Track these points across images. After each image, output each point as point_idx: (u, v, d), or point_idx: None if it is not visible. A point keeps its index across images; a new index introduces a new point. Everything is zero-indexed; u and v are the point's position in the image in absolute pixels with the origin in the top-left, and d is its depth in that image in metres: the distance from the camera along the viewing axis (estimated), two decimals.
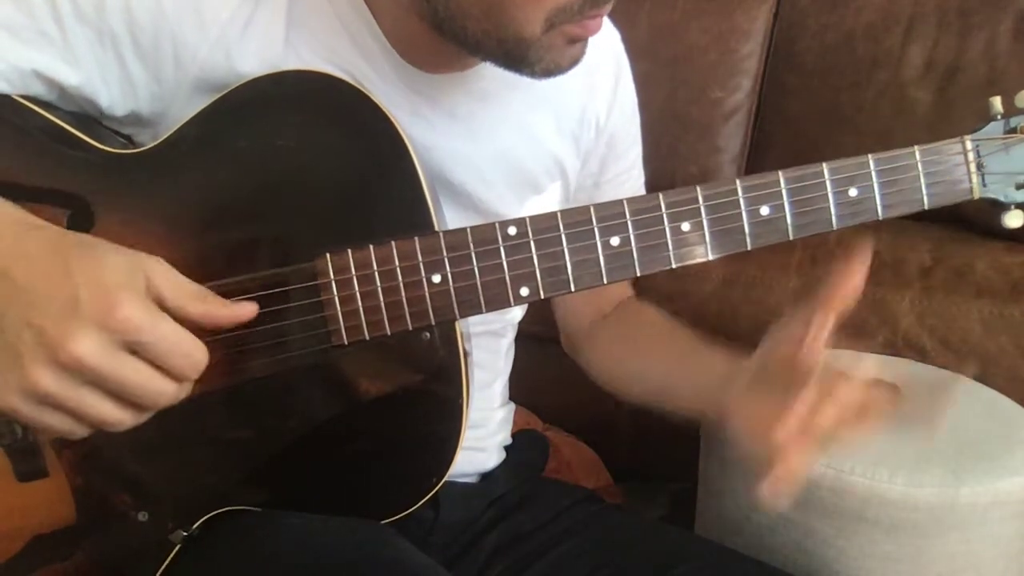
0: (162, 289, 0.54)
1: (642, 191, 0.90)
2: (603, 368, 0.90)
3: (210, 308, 0.57)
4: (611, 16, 0.84)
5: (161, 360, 0.53)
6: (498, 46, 0.63)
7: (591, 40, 0.81)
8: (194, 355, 0.55)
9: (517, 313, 0.89)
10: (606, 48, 0.83)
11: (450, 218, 0.73)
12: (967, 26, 1.60)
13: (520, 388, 0.98)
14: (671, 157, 1.82)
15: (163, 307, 0.54)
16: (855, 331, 1.33)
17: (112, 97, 0.67)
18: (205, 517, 0.67)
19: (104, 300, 0.51)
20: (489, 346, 0.87)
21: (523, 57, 0.64)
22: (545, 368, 0.95)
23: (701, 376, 0.76)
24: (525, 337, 0.94)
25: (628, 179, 0.89)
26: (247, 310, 0.59)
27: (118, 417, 0.54)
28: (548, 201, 0.81)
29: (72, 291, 0.51)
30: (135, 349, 0.52)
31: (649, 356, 0.85)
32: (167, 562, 0.68)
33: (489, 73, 0.73)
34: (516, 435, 0.94)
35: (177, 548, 0.67)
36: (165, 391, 0.54)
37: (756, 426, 0.63)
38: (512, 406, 0.94)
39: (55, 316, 0.50)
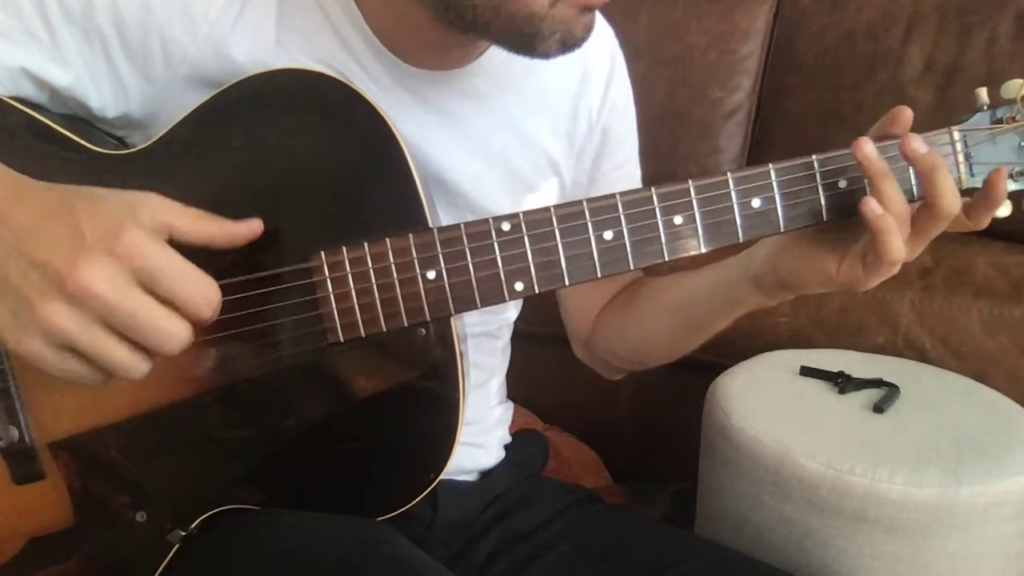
0: (171, 217, 0.54)
1: (639, 186, 0.90)
2: (625, 340, 0.89)
3: (223, 224, 0.57)
4: (611, 16, 0.85)
5: (173, 291, 0.52)
6: (509, 23, 0.62)
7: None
8: (206, 288, 0.54)
9: (512, 313, 0.89)
10: (601, 45, 0.83)
11: (444, 218, 0.73)
12: (967, 26, 1.60)
13: (520, 388, 0.98)
14: (671, 157, 1.82)
15: (177, 233, 0.54)
16: (855, 331, 1.34)
17: (103, 98, 0.67)
18: (203, 517, 0.68)
19: (108, 228, 0.51)
20: (485, 347, 0.87)
21: (535, 33, 0.62)
22: (545, 368, 0.95)
23: (725, 274, 0.76)
24: (525, 337, 0.94)
25: (623, 175, 0.88)
26: (254, 224, 0.60)
27: (130, 360, 0.53)
28: (543, 200, 0.81)
29: (77, 226, 0.50)
30: (146, 283, 0.52)
31: (666, 302, 0.83)
32: (165, 562, 0.68)
33: (481, 72, 0.73)
34: (516, 434, 0.94)
35: (175, 548, 0.67)
36: (176, 332, 0.53)
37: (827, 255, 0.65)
38: (510, 404, 0.94)
39: (60, 250, 0.50)
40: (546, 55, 0.64)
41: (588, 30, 0.65)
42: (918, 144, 0.61)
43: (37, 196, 0.53)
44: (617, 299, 0.90)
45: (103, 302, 0.50)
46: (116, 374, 0.54)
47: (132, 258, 0.51)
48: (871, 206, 0.60)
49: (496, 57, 0.74)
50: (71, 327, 0.50)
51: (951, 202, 0.61)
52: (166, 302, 0.53)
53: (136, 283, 0.51)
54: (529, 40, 0.63)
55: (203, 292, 0.54)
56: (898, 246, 0.61)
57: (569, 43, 0.64)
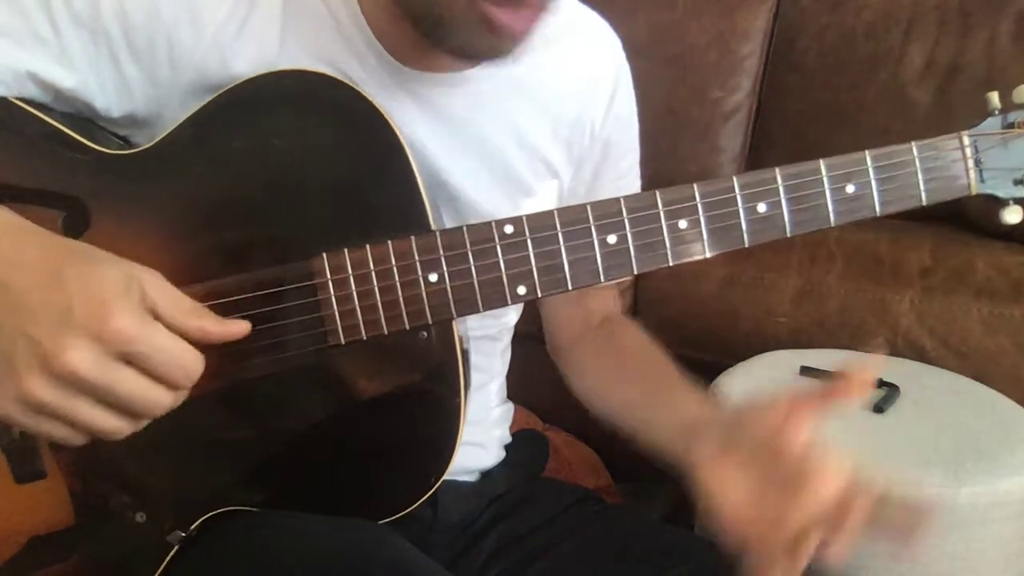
0: (157, 302, 0.54)
1: None
2: (581, 386, 0.88)
3: (205, 323, 0.57)
4: (611, 16, 0.84)
5: (156, 370, 0.53)
6: (428, 11, 0.62)
7: (593, 47, 0.81)
8: (189, 365, 0.55)
9: (512, 317, 0.89)
10: (607, 55, 0.82)
11: (444, 221, 0.73)
12: (967, 26, 1.60)
13: (520, 388, 0.98)
14: (671, 157, 1.82)
15: (158, 319, 0.54)
16: (855, 331, 1.34)
17: (108, 99, 0.67)
18: (203, 518, 0.67)
19: (97, 311, 0.51)
20: (485, 350, 0.86)
21: (439, 28, 0.62)
22: (545, 368, 0.94)
23: (674, 415, 0.73)
24: (525, 337, 0.94)
25: (623, 186, 0.88)
26: (241, 328, 0.59)
27: (114, 426, 0.54)
28: (542, 205, 0.81)
29: (66, 301, 0.51)
30: (130, 359, 0.52)
31: (627, 383, 0.83)
32: (165, 563, 0.67)
33: (483, 77, 0.73)
34: (516, 434, 0.93)
35: (175, 549, 0.67)
36: (160, 401, 0.54)
37: (741, 518, 0.60)
38: (510, 405, 0.94)
39: (49, 327, 0.50)
40: (452, 56, 0.65)
41: (494, 50, 0.65)
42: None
43: (32, 258, 0.53)
44: (591, 341, 0.89)
45: (86, 383, 0.51)
46: (100, 437, 0.55)
47: (120, 343, 0.51)
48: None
49: (499, 66, 0.74)
50: (52, 400, 0.51)
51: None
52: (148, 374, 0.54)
53: (120, 361, 0.52)
54: (436, 35, 0.63)
55: (185, 369, 0.55)
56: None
57: (468, 52, 0.65)
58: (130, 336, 0.51)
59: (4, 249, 0.53)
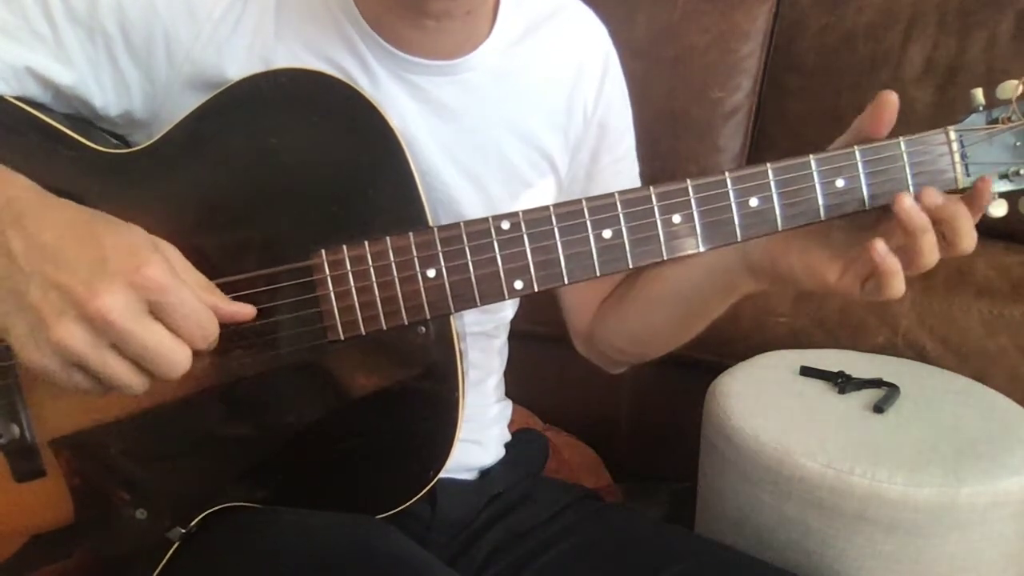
0: (177, 271, 0.56)
1: (637, 182, 0.90)
2: (625, 332, 0.88)
3: (216, 300, 0.58)
4: (609, 16, 0.85)
5: (179, 324, 0.54)
6: None
7: (578, 32, 0.81)
8: (207, 324, 0.56)
9: (509, 313, 0.89)
10: (594, 42, 0.84)
11: (439, 215, 0.73)
12: (967, 26, 1.60)
13: (520, 388, 0.98)
14: (671, 157, 1.82)
15: None
16: (855, 331, 1.34)
17: (106, 97, 0.68)
18: (203, 514, 0.68)
19: (132, 259, 0.52)
20: (482, 346, 0.87)
21: None
22: (545, 368, 0.95)
23: (721, 262, 0.74)
24: (525, 336, 0.94)
25: (622, 169, 0.88)
26: (248, 310, 0.61)
27: (134, 380, 0.55)
28: (541, 196, 0.81)
29: (100, 252, 0.52)
30: (156, 313, 0.53)
31: (664, 291, 0.82)
32: (165, 560, 0.68)
33: (476, 66, 0.73)
34: (515, 434, 0.94)
35: (176, 546, 0.68)
36: (180, 359, 0.55)
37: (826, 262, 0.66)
38: (508, 402, 0.94)
39: (84, 275, 0.51)
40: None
41: None
42: (933, 198, 0.62)
43: (63, 216, 0.55)
44: (616, 291, 0.89)
45: (117, 329, 0.52)
46: (119, 391, 0.55)
47: (150, 291, 0.53)
48: (878, 249, 0.61)
49: (491, 52, 0.75)
50: (83, 349, 0.52)
51: (968, 245, 0.64)
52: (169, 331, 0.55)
53: (148, 313, 0.53)
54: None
55: (205, 328, 0.56)
56: (898, 287, 0.63)
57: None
58: (162, 284, 0.53)
59: (34, 208, 0.54)
